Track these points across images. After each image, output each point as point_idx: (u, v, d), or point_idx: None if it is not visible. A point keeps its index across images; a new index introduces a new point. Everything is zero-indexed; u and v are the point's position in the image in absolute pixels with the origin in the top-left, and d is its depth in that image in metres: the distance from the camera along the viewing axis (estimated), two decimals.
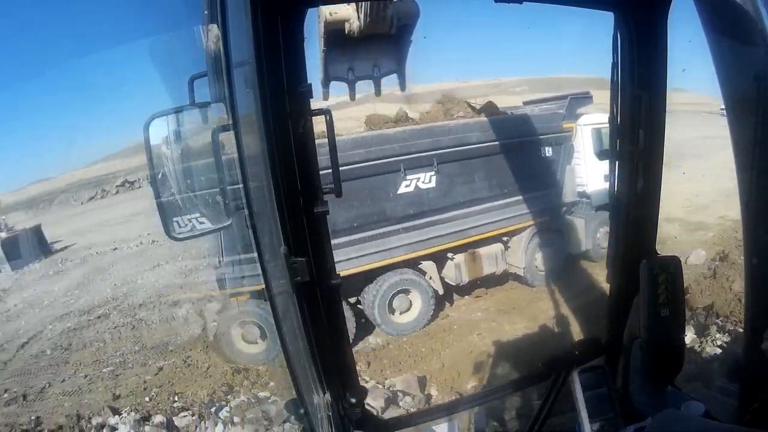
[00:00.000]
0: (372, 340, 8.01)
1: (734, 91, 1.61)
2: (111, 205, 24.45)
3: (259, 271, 1.21)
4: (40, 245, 16.90)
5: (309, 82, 1.20)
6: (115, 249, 16.80)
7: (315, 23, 1.99)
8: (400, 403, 6.24)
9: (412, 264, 7.75)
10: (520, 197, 7.94)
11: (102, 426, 6.83)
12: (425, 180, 7.52)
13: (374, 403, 6.09)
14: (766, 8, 1.48)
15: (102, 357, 9.18)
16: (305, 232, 1.21)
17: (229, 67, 1.15)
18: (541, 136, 8.17)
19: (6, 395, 8.59)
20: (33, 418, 7.57)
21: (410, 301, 7.88)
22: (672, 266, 1.62)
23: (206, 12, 1.21)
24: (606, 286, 1.89)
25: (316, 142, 1.28)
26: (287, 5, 1.13)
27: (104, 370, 8.71)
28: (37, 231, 17.57)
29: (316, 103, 1.28)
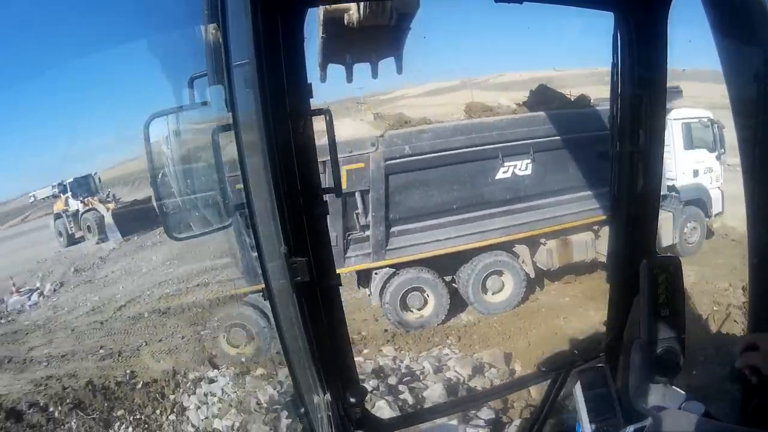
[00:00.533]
0: (464, 317, 8.50)
1: (740, 91, 1.61)
2: None
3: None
4: (145, 218, 17.57)
5: (309, 81, 1.20)
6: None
7: (315, 13, 1.99)
8: (486, 374, 6.62)
9: (507, 247, 8.29)
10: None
11: (199, 379, 7.20)
12: (522, 167, 7.94)
13: (462, 371, 6.50)
14: None
15: (199, 321, 9.57)
16: (305, 232, 1.21)
17: (229, 67, 1.15)
18: None
19: (102, 351, 9.34)
20: (128, 372, 8.03)
21: (503, 282, 8.36)
22: (672, 266, 1.61)
23: (206, 12, 1.21)
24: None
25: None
26: (287, 5, 1.13)
27: (202, 332, 9.08)
28: (144, 203, 18.42)
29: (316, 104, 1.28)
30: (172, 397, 7.10)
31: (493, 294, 8.33)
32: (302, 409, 1.35)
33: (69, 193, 19.36)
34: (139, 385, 7.45)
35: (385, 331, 8.01)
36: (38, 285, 14.72)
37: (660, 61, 1.57)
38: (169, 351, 8.80)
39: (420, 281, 8.04)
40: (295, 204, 1.18)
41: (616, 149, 1.68)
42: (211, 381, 6.98)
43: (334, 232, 7.20)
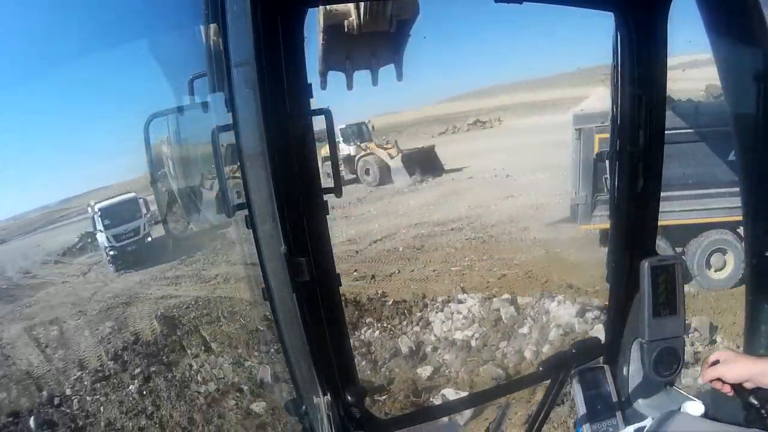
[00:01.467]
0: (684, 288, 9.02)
1: (736, 91, 1.61)
2: (463, 140, 26.96)
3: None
4: (426, 163, 19.56)
5: (309, 81, 1.20)
6: (470, 178, 18.54)
7: (315, 18, 2.00)
8: (690, 335, 7.10)
9: (732, 227, 8.49)
10: None
11: (448, 300, 8.28)
12: None
13: None
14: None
15: (450, 259, 10.71)
16: (305, 232, 1.21)
17: (229, 67, 1.15)
18: None
19: (356, 273, 10.82)
20: (379, 292, 9.39)
21: (725, 260, 8.77)
22: (672, 266, 1.61)
23: (206, 12, 1.21)
24: None
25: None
26: (287, 5, 1.13)
27: (452, 269, 10.12)
28: (429, 151, 20.20)
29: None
30: (419, 314, 8.28)
31: (715, 271, 8.75)
32: (302, 409, 1.35)
33: (340, 139, 20.74)
34: (389, 303, 8.76)
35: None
36: None
37: (660, 61, 1.57)
38: (420, 280, 9.87)
39: None
40: (295, 204, 1.18)
41: (616, 149, 1.68)
42: (460, 302, 8.07)
43: (584, 191, 8.32)
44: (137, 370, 8.53)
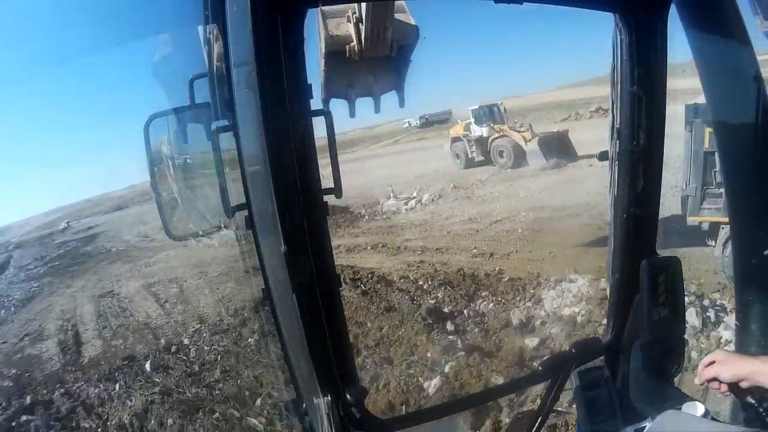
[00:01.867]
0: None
1: (718, 94, 1.62)
2: (585, 127, 26.37)
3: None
4: (560, 147, 19.64)
5: (309, 82, 1.20)
6: (591, 165, 18.41)
7: (315, 19, 2.00)
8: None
9: None
10: None
11: (561, 280, 8.63)
12: None
13: None
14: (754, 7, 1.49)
15: (566, 242, 10.97)
16: (305, 232, 1.21)
17: (229, 68, 1.15)
18: None
19: (475, 250, 11.43)
20: (496, 268, 9.93)
21: None
22: (672, 266, 1.61)
23: (206, 12, 1.21)
24: None
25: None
26: (287, 5, 1.13)
27: (567, 252, 10.35)
28: (563, 136, 20.28)
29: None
30: (532, 291, 8.68)
31: None
32: (302, 410, 1.35)
33: (472, 120, 21.39)
34: (505, 279, 9.27)
35: (719, 283, 8.39)
36: (415, 194, 17.43)
37: (660, 61, 1.57)
38: (536, 260, 10.23)
39: None
40: (295, 204, 1.18)
41: (616, 149, 1.68)
42: (571, 281, 8.41)
43: (694, 183, 8.48)
44: (256, 326, 8.94)
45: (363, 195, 18.50)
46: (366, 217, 16.75)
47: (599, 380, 1.68)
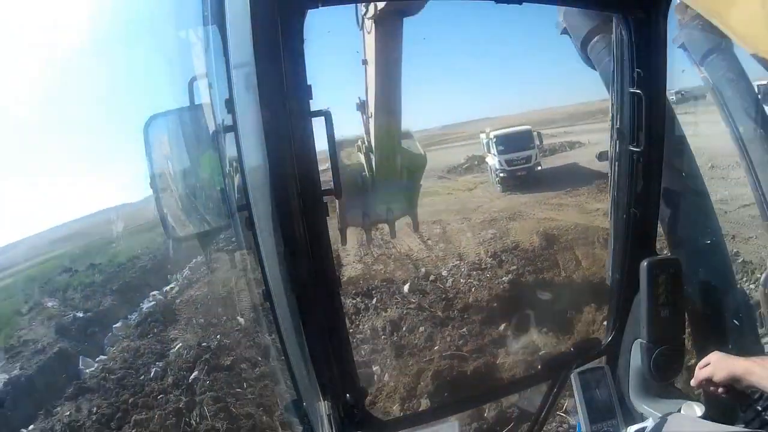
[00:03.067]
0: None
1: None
2: None
3: None
4: None
5: (309, 83, 1.20)
6: None
7: (315, 21, 2.01)
8: None
9: None
10: None
11: None
12: None
13: None
14: None
15: None
16: (305, 233, 1.21)
17: (229, 68, 1.15)
18: None
19: (725, 232, 10.50)
20: (733, 251, 9.18)
21: None
22: (672, 266, 1.61)
23: (206, 13, 1.21)
24: None
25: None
26: (287, 7, 1.13)
27: None
28: None
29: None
30: None
31: None
32: (303, 410, 1.35)
33: None
34: (738, 261, 8.81)
35: None
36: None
37: (660, 61, 1.57)
38: None
39: None
40: (295, 204, 1.18)
41: (616, 149, 1.68)
42: None
43: None
44: (512, 268, 10.07)
45: None
46: None
47: (599, 380, 1.68)
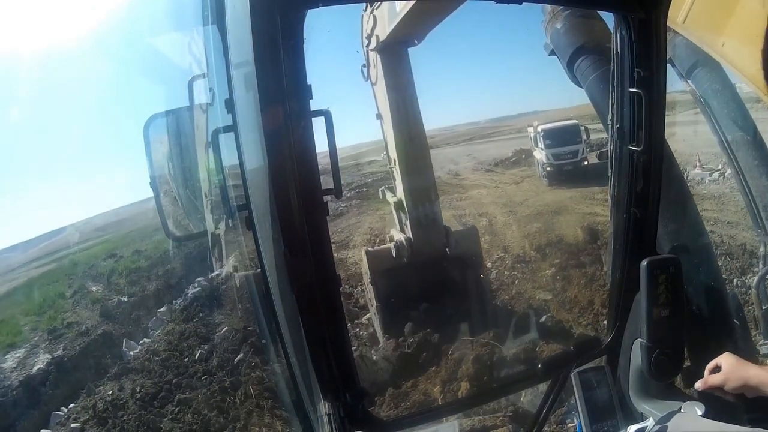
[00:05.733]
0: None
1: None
2: None
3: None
4: None
5: (309, 82, 1.20)
6: None
7: (315, 21, 2.01)
8: None
9: None
10: None
11: None
12: None
13: None
14: None
15: None
16: (305, 233, 1.20)
17: (229, 68, 1.15)
18: None
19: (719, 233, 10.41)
20: None
21: None
22: (672, 266, 1.61)
23: (206, 13, 1.21)
24: None
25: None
26: (287, 6, 1.13)
27: None
28: None
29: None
30: None
31: None
32: (303, 410, 1.35)
33: None
34: None
35: None
36: (720, 167, 16.35)
37: (660, 61, 1.57)
38: None
39: None
40: (295, 204, 1.18)
41: (616, 149, 1.68)
42: None
43: None
44: (556, 261, 10.00)
45: None
46: None
47: (599, 380, 1.68)
